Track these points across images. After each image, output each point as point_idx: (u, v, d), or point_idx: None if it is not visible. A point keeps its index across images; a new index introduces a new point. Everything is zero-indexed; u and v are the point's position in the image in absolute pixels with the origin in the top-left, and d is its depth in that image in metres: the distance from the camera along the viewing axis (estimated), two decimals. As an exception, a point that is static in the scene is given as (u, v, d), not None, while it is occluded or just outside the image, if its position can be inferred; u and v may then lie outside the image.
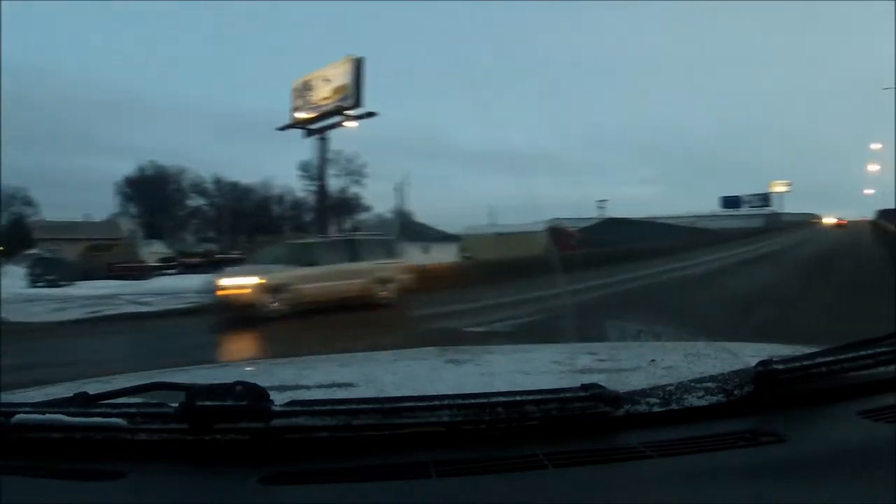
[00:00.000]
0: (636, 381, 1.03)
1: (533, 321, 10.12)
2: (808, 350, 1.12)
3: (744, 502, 0.76)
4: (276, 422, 0.86)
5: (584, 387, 0.91)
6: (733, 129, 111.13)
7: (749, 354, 1.22)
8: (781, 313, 9.46)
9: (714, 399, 0.94)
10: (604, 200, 55.06)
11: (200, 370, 1.66)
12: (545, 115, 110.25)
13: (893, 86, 36.62)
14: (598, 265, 20.25)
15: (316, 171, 27.58)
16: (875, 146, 52.71)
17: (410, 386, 1.28)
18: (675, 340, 2.03)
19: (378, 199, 49.86)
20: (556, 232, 36.64)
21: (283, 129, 26.21)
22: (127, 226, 40.54)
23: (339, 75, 24.29)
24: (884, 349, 0.98)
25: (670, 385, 0.95)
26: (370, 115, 23.98)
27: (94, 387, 1.17)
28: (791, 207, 65.69)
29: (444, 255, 31.63)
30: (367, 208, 50.46)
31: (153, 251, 33.59)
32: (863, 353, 0.98)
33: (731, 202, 62.39)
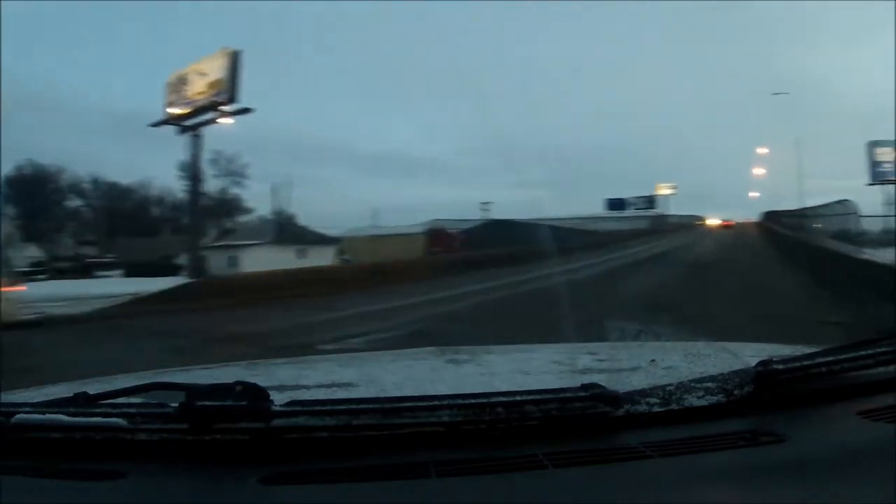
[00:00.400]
0: (636, 381, 1.03)
1: (394, 336, 8.89)
2: (808, 350, 1.12)
3: (744, 502, 0.76)
4: (276, 422, 0.86)
5: (584, 387, 0.91)
6: (620, 132, 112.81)
7: (749, 354, 1.22)
8: (674, 317, 8.34)
9: (714, 399, 0.94)
10: (488, 203, 53.91)
11: (200, 370, 1.66)
12: (432, 119, 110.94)
13: (782, 92, 37.24)
14: (479, 268, 19.44)
15: (199, 171, 26.16)
16: (761, 150, 53.87)
17: (410, 386, 1.28)
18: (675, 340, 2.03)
19: (261, 200, 47.88)
20: (437, 234, 36.06)
21: (156, 125, 24.91)
22: (5, 229, 37.92)
23: (215, 69, 23.21)
24: (884, 349, 0.98)
25: (670, 385, 0.95)
26: (245, 111, 23.11)
27: (94, 387, 1.17)
28: (677, 209, 67.32)
29: (321, 258, 30.53)
30: (248, 210, 48.07)
31: (26, 255, 32.14)
32: (863, 353, 0.98)
33: (616, 204, 63.09)
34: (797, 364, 0.97)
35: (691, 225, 58.96)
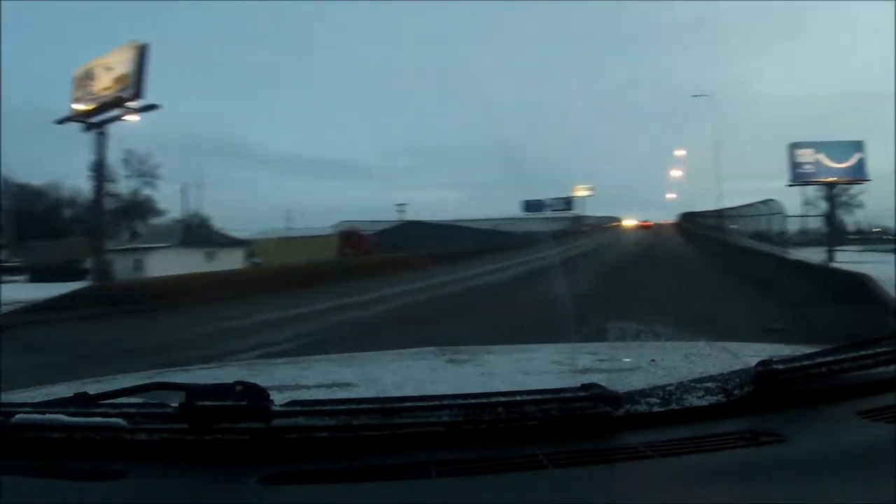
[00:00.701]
0: (636, 381, 1.03)
1: (288, 350, 8.04)
2: (808, 350, 1.12)
3: (744, 502, 0.76)
4: (276, 422, 0.86)
5: (584, 387, 0.91)
6: (541, 135, 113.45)
7: (749, 354, 1.22)
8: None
9: (714, 399, 0.94)
10: (403, 204, 54.07)
11: (200, 370, 1.66)
12: (350, 120, 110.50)
13: (701, 94, 37.76)
14: (391, 270, 18.46)
15: (103, 171, 24.14)
16: (679, 152, 53.95)
17: (410, 386, 1.28)
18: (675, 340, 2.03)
19: (175, 202, 45.19)
20: (351, 235, 34.98)
21: (61, 122, 23.23)
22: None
23: (121, 63, 21.90)
24: (884, 349, 0.98)
25: (670, 385, 0.95)
26: (151, 107, 21.75)
27: (94, 387, 1.17)
28: (594, 211, 67.97)
29: (230, 261, 28.87)
30: (161, 212, 45.65)
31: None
32: (863, 353, 0.98)
33: (533, 206, 63.30)
34: (797, 364, 0.97)
35: (608, 226, 60.22)
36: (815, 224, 34.55)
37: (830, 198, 35.40)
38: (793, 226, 19.94)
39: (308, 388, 1.35)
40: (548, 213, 62.01)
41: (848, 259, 19.77)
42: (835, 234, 31.38)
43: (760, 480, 0.79)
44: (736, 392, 0.94)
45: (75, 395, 0.99)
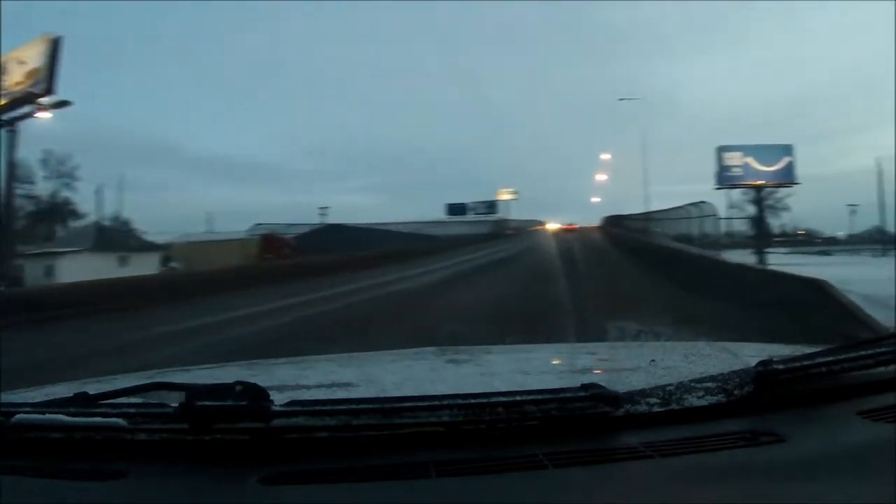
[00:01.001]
0: (636, 381, 1.03)
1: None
2: (808, 350, 1.12)
3: (744, 502, 0.76)
4: (276, 422, 0.86)
5: (584, 387, 0.91)
6: (467, 138, 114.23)
7: (749, 354, 1.22)
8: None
9: (714, 399, 0.94)
10: (325, 207, 52.56)
11: (200, 370, 1.66)
12: (274, 123, 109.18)
13: (630, 97, 38.02)
14: (309, 275, 17.32)
15: (14, 170, 23.41)
16: (604, 156, 54.87)
17: (410, 386, 1.28)
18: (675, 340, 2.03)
19: (95, 204, 43.15)
20: (270, 239, 33.91)
21: None
22: None
23: (33, 57, 21.09)
24: (884, 349, 0.98)
25: (670, 385, 0.95)
26: (63, 104, 21.20)
27: (94, 387, 1.17)
28: (520, 214, 68.20)
29: (145, 266, 27.55)
30: (81, 215, 42.91)
31: None
32: (863, 353, 0.98)
33: (456, 209, 63.70)
34: (797, 364, 0.97)
35: (532, 229, 60.61)
36: (742, 227, 34.77)
37: (759, 201, 35.54)
38: (718, 228, 19.85)
39: (308, 388, 1.35)
40: (471, 217, 62.28)
41: (778, 261, 20.01)
42: (763, 236, 31.35)
43: (760, 480, 0.79)
44: (736, 392, 0.94)
45: (75, 395, 0.99)
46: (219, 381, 0.90)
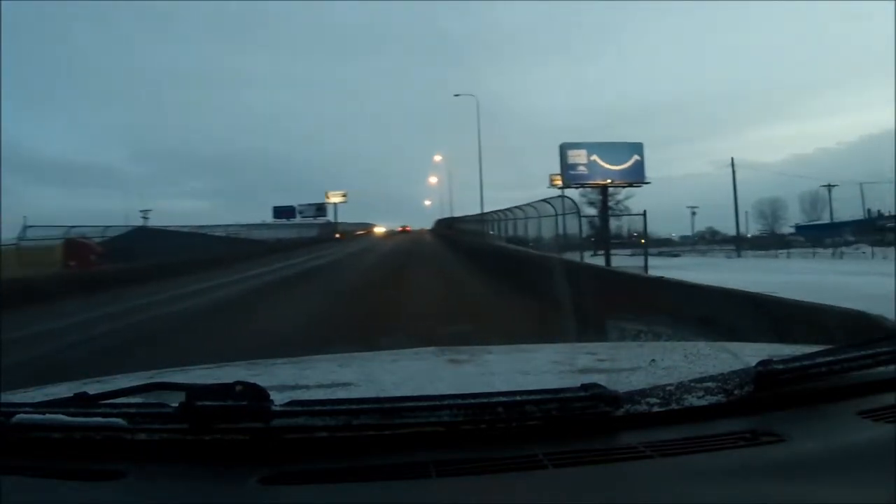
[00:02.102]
0: (636, 381, 1.03)
1: None
2: (808, 350, 1.12)
3: (744, 502, 0.76)
4: (276, 422, 0.86)
5: (584, 387, 0.91)
6: (295, 143, 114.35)
7: (749, 354, 1.22)
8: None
9: (714, 399, 0.94)
10: (147, 210, 49.63)
11: (200, 370, 1.66)
12: (103, 125, 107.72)
13: (465, 94, 37.72)
14: (112, 285, 14.57)
15: None
16: (437, 158, 54.26)
17: (410, 386, 1.27)
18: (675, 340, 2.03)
19: None
20: (73, 245, 30.26)
21: None
22: None
23: None
24: (884, 349, 0.99)
25: (670, 385, 0.95)
26: None
27: (94, 387, 1.17)
28: (351, 217, 68.33)
29: None
30: None
31: None
32: (863, 353, 0.98)
33: (283, 212, 62.02)
34: (797, 364, 0.97)
35: (362, 232, 60.79)
36: (575, 229, 33.43)
37: (604, 201, 33.23)
38: (550, 231, 19.12)
39: (308, 388, 1.35)
40: (298, 220, 61.46)
41: (622, 263, 19.73)
42: (605, 237, 28.77)
43: (760, 480, 0.79)
44: (736, 392, 0.94)
45: (75, 395, 0.99)
46: (219, 381, 0.90)
